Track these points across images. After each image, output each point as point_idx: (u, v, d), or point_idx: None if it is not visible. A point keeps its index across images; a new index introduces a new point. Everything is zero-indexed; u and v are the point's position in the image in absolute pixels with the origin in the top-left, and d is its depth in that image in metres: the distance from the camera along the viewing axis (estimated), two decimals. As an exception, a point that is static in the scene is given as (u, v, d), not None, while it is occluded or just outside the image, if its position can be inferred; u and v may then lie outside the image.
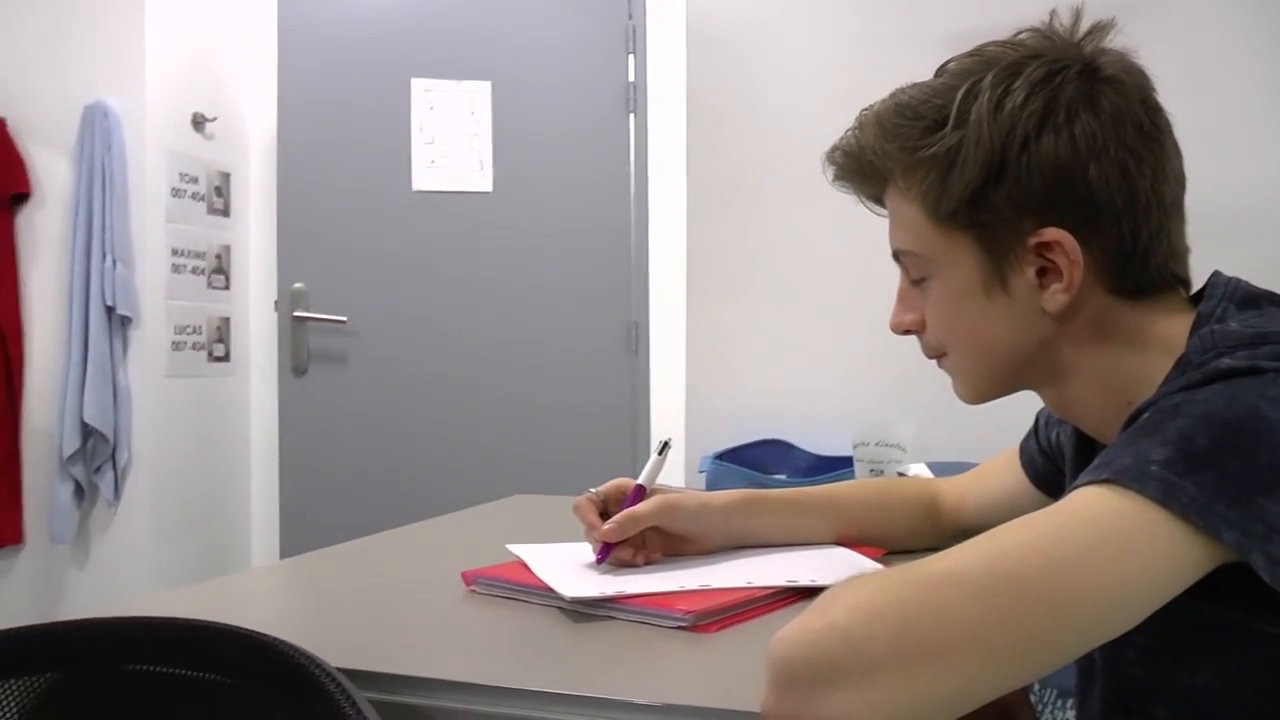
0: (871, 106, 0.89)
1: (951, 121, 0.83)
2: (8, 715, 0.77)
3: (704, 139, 2.84)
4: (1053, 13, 0.87)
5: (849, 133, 0.91)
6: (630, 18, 3.32)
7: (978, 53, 0.86)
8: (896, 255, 0.93)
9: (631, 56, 3.32)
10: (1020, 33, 0.87)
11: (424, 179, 3.28)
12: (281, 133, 3.19)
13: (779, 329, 2.76)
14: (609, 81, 3.32)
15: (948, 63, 0.88)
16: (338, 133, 3.24)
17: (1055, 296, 0.84)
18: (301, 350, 3.13)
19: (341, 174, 3.24)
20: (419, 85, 3.28)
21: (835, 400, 2.64)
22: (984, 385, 0.93)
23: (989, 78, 0.83)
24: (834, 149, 0.93)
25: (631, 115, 3.33)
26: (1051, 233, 0.82)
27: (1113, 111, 0.82)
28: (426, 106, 3.28)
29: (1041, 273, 0.84)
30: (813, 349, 2.73)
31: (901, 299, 0.94)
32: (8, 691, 0.77)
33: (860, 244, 2.62)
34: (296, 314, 3.16)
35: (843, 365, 2.69)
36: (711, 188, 2.83)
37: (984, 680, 0.64)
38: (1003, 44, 0.86)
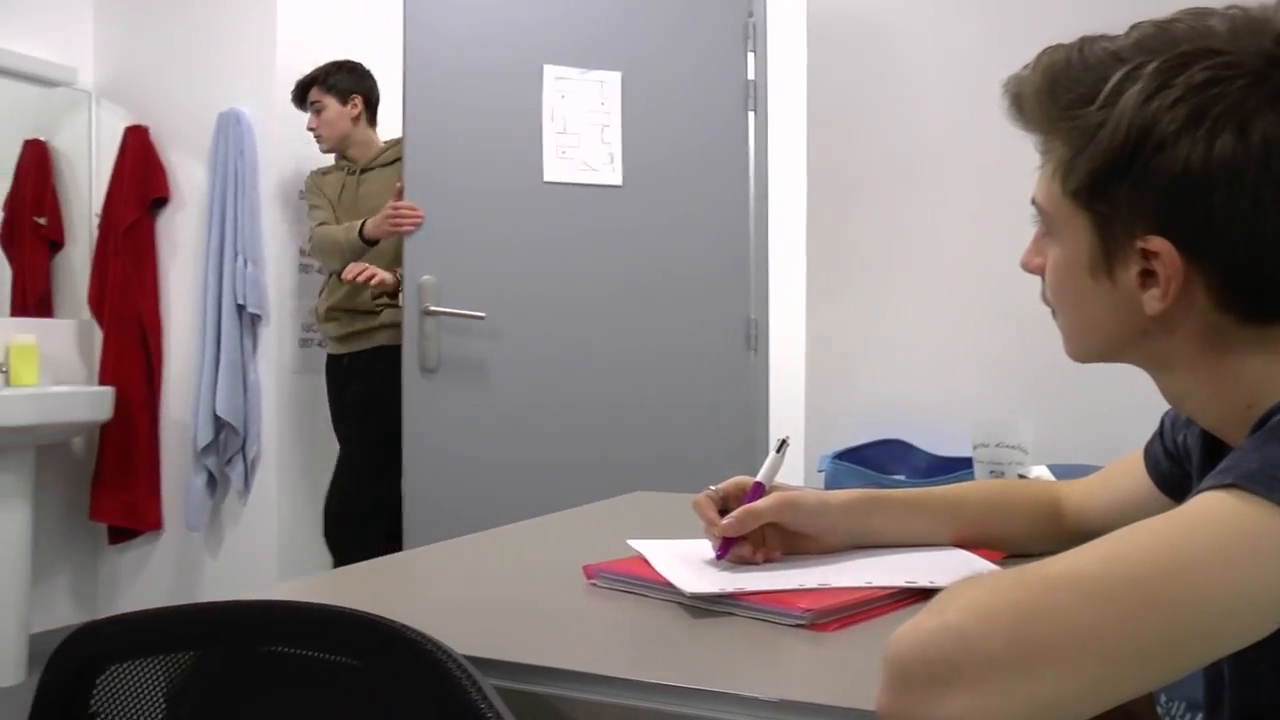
0: (1057, 48, 0.86)
1: (1101, 99, 0.80)
2: (154, 689, 0.81)
3: (824, 137, 2.82)
4: None
5: (1025, 68, 0.88)
6: (751, 15, 3.31)
7: (1167, 26, 0.81)
8: (1033, 202, 0.91)
9: (752, 54, 3.31)
10: (1231, 8, 0.81)
11: (555, 170, 3.19)
12: (408, 125, 3.12)
13: (899, 328, 2.73)
14: (729, 78, 3.30)
15: (1138, 26, 0.83)
16: (467, 123, 3.15)
17: (1152, 302, 0.81)
18: (429, 343, 3.12)
19: (470, 165, 3.16)
20: (551, 72, 3.18)
21: (955, 400, 2.60)
22: (1083, 352, 0.91)
23: (1154, 65, 0.78)
24: (1010, 79, 0.89)
25: (751, 113, 3.32)
26: (1157, 242, 0.79)
27: (1266, 137, 0.76)
28: (558, 95, 3.18)
29: (1145, 274, 0.81)
30: (933, 348, 2.69)
31: (1035, 241, 0.92)
32: (155, 667, 0.81)
33: (982, 244, 2.57)
34: (429, 308, 3.11)
35: (963, 365, 2.64)
36: (831, 186, 2.81)
37: (1102, 685, 0.63)
38: (1194, 23, 0.80)
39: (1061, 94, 0.83)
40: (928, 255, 2.70)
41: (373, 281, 3.26)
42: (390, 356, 3.37)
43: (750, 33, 3.31)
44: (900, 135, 2.72)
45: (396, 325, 3.38)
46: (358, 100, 3.54)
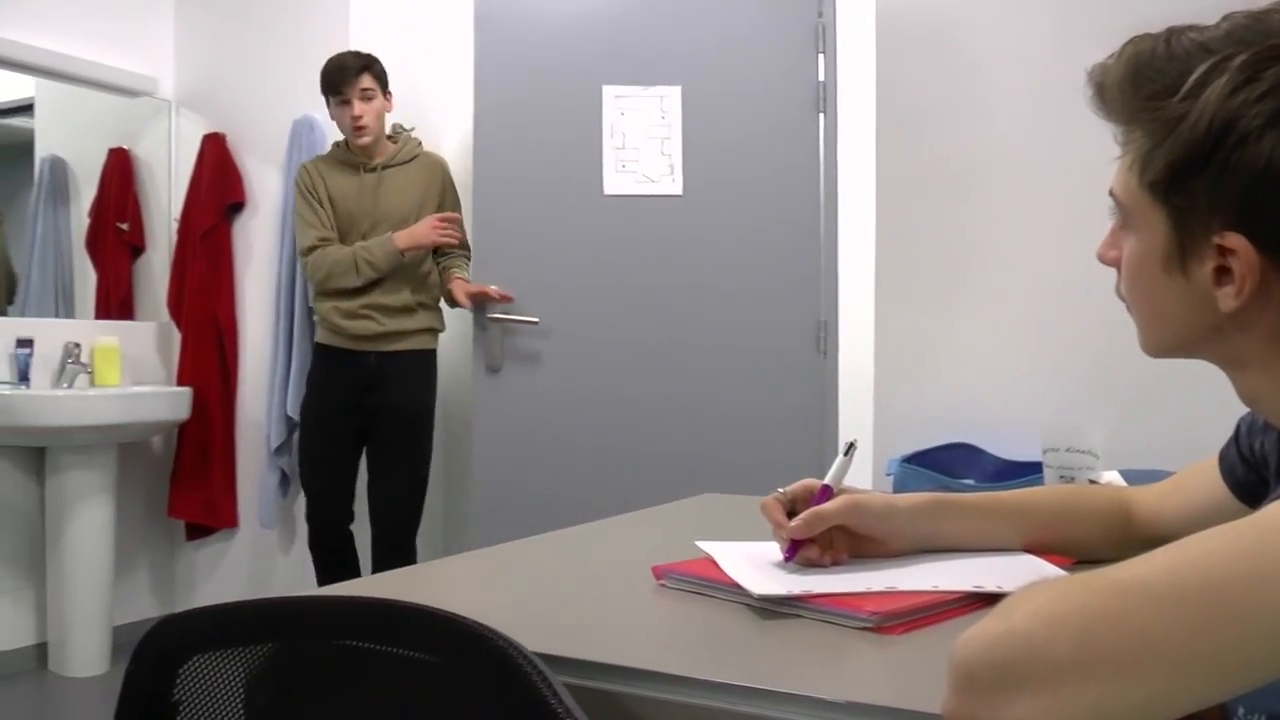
0: (1144, 38, 0.84)
1: (1184, 91, 0.78)
2: (234, 680, 0.83)
3: (894, 138, 2.80)
4: None
5: (1110, 57, 0.86)
6: (820, 15, 3.30)
7: (1261, 18, 0.79)
8: (1111, 193, 0.89)
9: (821, 55, 3.30)
10: None
11: (615, 183, 3.31)
12: (477, 141, 3.25)
13: (969, 331, 2.70)
14: (799, 81, 3.31)
15: (1230, 16, 0.81)
16: (530, 140, 3.29)
17: (1226, 299, 0.80)
18: (495, 349, 3.20)
19: (534, 179, 3.29)
20: (610, 92, 3.31)
21: (1026, 405, 2.57)
22: (1155, 347, 0.89)
23: (1243, 58, 0.76)
24: (1094, 68, 0.88)
25: (821, 115, 3.31)
26: (1234, 239, 0.77)
27: None
28: (618, 112, 3.31)
29: (1220, 270, 0.80)
30: (1003, 352, 2.66)
31: (1112, 233, 0.91)
32: (234, 658, 0.83)
33: (1053, 246, 2.54)
34: (491, 315, 3.23)
35: (1034, 369, 2.61)
36: (902, 187, 2.79)
37: (1170, 694, 0.62)
38: None
39: (1145, 84, 0.81)
40: (999, 258, 2.67)
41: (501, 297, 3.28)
42: (429, 362, 3.39)
43: (820, 34, 3.30)
44: (971, 136, 2.70)
45: (431, 330, 3.40)
46: (391, 96, 3.41)
